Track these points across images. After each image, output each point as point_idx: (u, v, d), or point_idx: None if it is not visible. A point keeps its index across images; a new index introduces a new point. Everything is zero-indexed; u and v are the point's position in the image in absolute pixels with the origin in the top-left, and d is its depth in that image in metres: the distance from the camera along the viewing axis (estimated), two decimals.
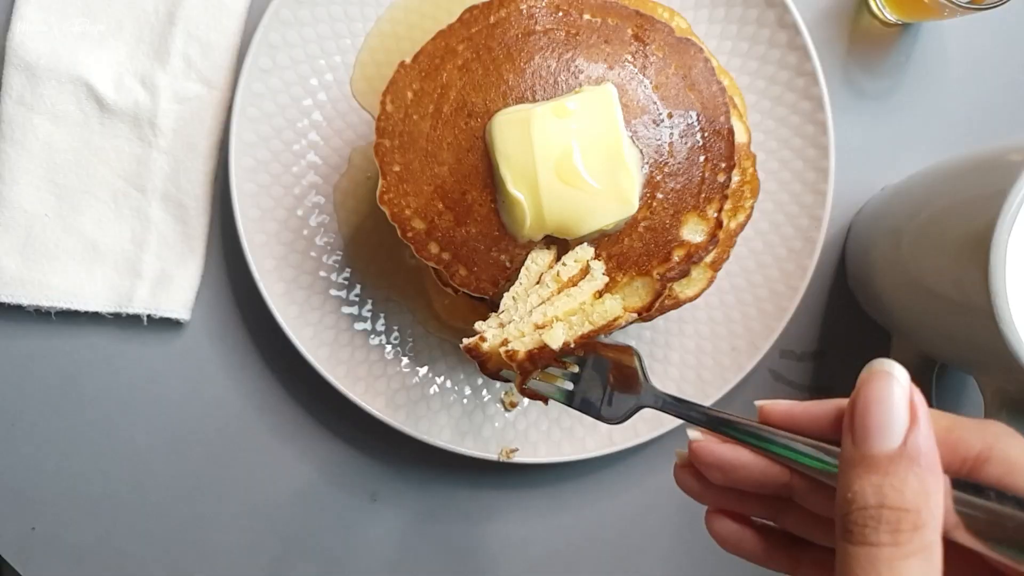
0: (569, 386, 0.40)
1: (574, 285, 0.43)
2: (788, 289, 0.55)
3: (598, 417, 0.39)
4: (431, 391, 0.55)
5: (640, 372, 0.38)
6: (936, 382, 0.54)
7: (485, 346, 0.41)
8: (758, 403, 0.32)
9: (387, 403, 0.55)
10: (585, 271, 0.44)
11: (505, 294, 0.43)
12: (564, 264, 0.43)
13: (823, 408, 0.31)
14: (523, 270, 0.44)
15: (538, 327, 0.41)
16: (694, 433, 0.33)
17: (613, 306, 0.42)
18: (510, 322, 0.42)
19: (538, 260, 0.44)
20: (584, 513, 0.59)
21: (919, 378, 0.54)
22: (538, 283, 0.43)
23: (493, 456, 0.55)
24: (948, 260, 0.44)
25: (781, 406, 0.31)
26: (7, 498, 0.57)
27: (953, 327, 0.46)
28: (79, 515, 0.57)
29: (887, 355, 0.56)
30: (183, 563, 0.58)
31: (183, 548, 0.58)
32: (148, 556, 0.58)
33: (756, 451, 0.32)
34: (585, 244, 0.44)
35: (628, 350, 0.39)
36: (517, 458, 0.54)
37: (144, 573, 0.58)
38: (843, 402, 0.30)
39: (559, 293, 0.43)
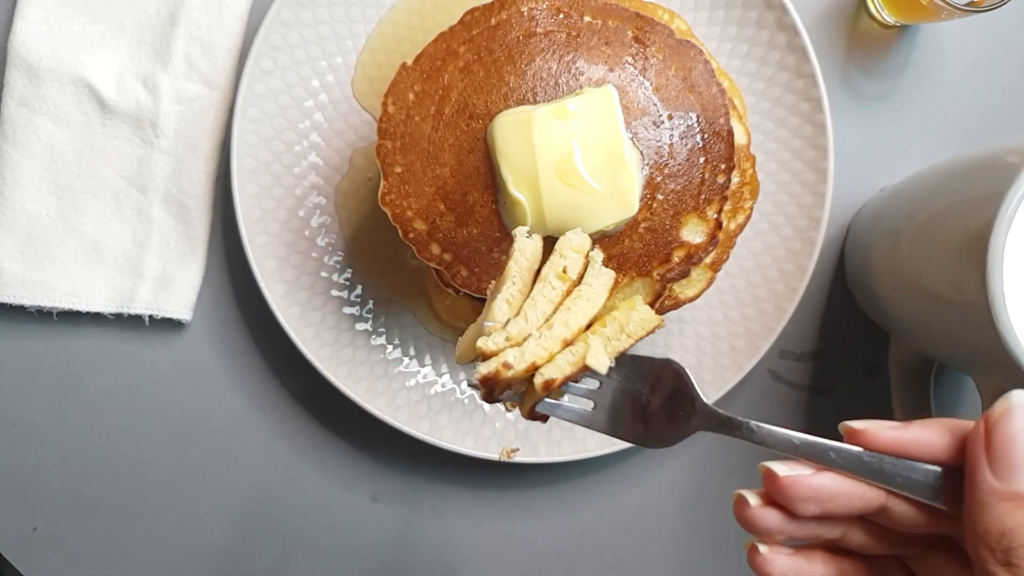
0: (589, 405, 0.35)
1: (579, 281, 0.38)
2: (787, 290, 0.56)
3: (637, 442, 0.35)
4: (432, 391, 0.56)
5: (693, 390, 0.34)
6: (934, 382, 0.54)
7: (509, 374, 0.33)
8: (851, 425, 0.31)
9: (388, 403, 0.55)
10: (586, 262, 0.38)
11: (497, 297, 0.36)
12: (564, 256, 0.37)
13: (936, 433, 0.30)
14: (512, 264, 0.37)
15: (567, 343, 0.34)
16: (781, 468, 0.31)
17: (648, 313, 0.36)
18: (526, 338, 0.34)
19: (527, 252, 0.37)
20: (584, 513, 0.60)
21: (917, 379, 0.54)
22: (536, 280, 0.37)
23: (494, 456, 0.55)
24: (946, 261, 0.44)
25: (888, 432, 0.30)
26: (9, 498, 0.57)
27: (951, 328, 0.47)
28: (80, 515, 0.58)
29: (885, 355, 0.57)
30: (184, 562, 0.58)
31: (184, 548, 0.58)
32: (149, 556, 0.58)
33: (855, 477, 0.30)
34: (578, 229, 0.39)
35: (670, 364, 0.35)
36: (518, 458, 0.55)
37: (145, 573, 0.58)
38: (958, 425, 0.30)
39: (568, 295, 0.36)
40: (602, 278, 0.37)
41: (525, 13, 0.46)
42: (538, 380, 0.33)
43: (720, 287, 0.56)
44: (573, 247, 0.38)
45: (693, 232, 0.46)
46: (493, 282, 0.38)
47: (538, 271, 0.37)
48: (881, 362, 0.58)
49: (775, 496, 0.31)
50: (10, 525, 0.57)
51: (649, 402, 0.34)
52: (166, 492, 0.58)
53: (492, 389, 0.34)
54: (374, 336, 0.56)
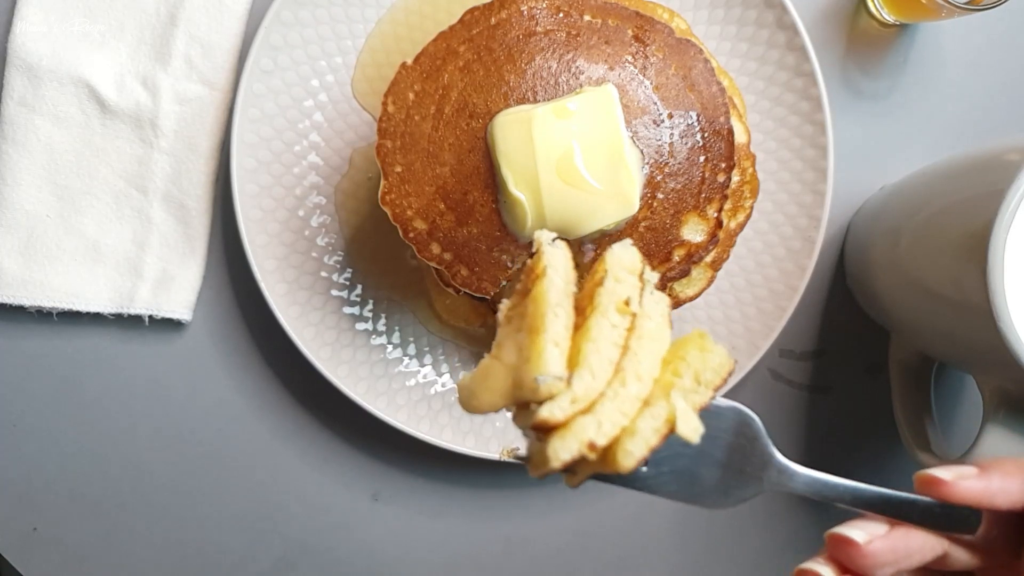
0: (642, 466, 0.30)
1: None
2: (787, 289, 0.56)
3: (696, 503, 0.31)
4: (432, 391, 0.56)
5: (764, 442, 0.30)
6: (934, 381, 0.54)
7: (592, 456, 0.27)
8: (935, 475, 0.29)
9: (388, 403, 0.55)
10: (642, 285, 0.32)
11: (543, 339, 0.28)
12: (620, 280, 0.30)
13: (1016, 481, 0.29)
14: (547, 288, 0.29)
15: (646, 403, 0.28)
16: (858, 533, 0.29)
17: (723, 355, 0.30)
18: (594, 400, 0.28)
19: (560, 268, 0.30)
20: (584, 513, 0.60)
21: (917, 377, 0.54)
22: (586, 312, 0.29)
23: (494, 455, 0.55)
24: (946, 259, 0.44)
25: (975, 484, 0.29)
26: (9, 499, 0.57)
27: (951, 326, 0.47)
28: (80, 516, 0.58)
29: (885, 353, 0.57)
30: (184, 563, 0.58)
31: (184, 548, 0.58)
32: (149, 556, 0.58)
33: (928, 529, 0.29)
34: (627, 241, 0.32)
35: (739, 414, 0.31)
36: (518, 457, 0.54)
37: (145, 573, 0.58)
38: None
39: (631, 331, 0.29)
40: (660, 306, 0.31)
41: (525, 12, 0.46)
42: (627, 462, 0.27)
43: (720, 286, 0.56)
44: (627, 267, 0.31)
45: (693, 231, 0.46)
46: (504, 302, 0.32)
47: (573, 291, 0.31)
48: (881, 361, 0.58)
49: (854, 565, 0.29)
50: (10, 525, 0.57)
51: (711, 457, 0.30)
52: (166, 492, 0.58)
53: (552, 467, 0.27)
54: (374, 336, 0.56)
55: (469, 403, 0.30)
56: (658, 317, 0.30)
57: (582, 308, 0.30)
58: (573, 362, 0.28)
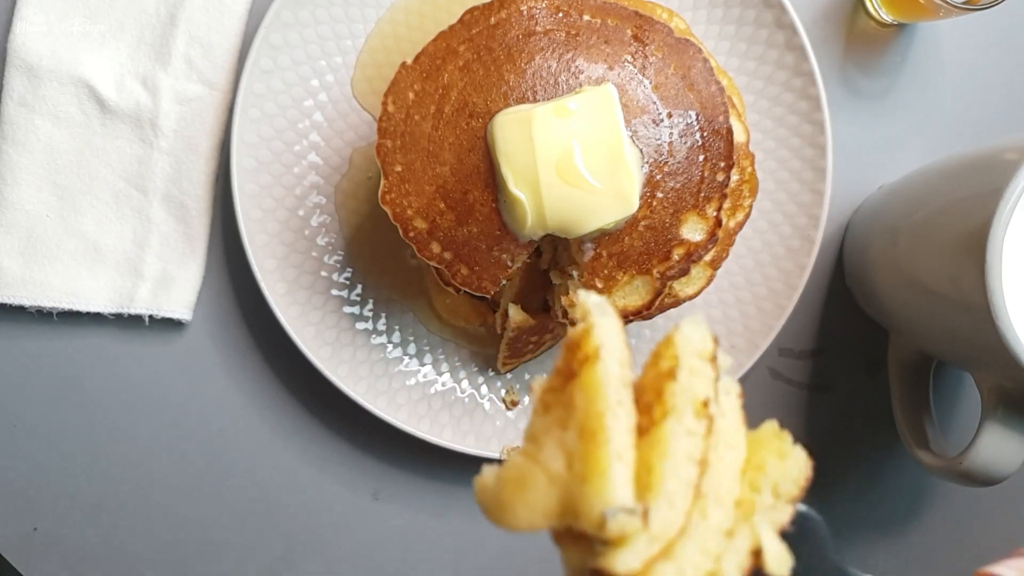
0: None
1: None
2: (786, 287, 0.56)
3: None
4: (432, 390, 0.56)
5: (829, 552, 0.28)
6: (933, 379, 0.54)
7: None
8: (998, 574, 0.28)
9: (389, 402, 0.55)
10: (716, 375, 0.26)
11: (604, 452, 0.22)
12: (695, 373, 0.25)
13: None
14: (602, 377, 0.23)
15: (728, 533, 0.24)
16: None
17: (801, 458, 0.26)
18: (679, 537, 0.23)
19: (616, 351, 0.24)
20: None
21: (916, 376, 0.54)
22: (652, 410, 0.25)
23: (495, 454, 0.55)
24: (945, 258, 0.44)
25: None
26: (9, 499, 0.57)
27: (950, 325, 0.47)
28: (81, 515, 0.58)
29: (884, 352, 0.57)
30: (185, 563, 0.58)
31: (185, 548, 0.58)
32: (150, 556, 0.58)
33: None
34: (698, 317, 0.26)
35: (806, 521, 0.28)
36: None
37: (145, 573, 0.58)
38: None
39: (706, 437, 0.24)
40: (732, 397, 0.26)
41: (525, 12, 0.46)
42: None
43: (719, 285, 0.56)
44: (699, 352, 0.25)
45: (693, 230, 0.46)
46: (538, 378, 0.26)
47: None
48: (880, 359, 0.58)
49: None
50: (10, 525, 0.57)
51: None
52: (166, 492, 0.58)
53: None
54: (374, 335, 0.56)
55: (500, 516, 0.24)
56: (732, 413, 0.26)
57: (645, 403, 0.25)
58: (643, 483, 0.23)
